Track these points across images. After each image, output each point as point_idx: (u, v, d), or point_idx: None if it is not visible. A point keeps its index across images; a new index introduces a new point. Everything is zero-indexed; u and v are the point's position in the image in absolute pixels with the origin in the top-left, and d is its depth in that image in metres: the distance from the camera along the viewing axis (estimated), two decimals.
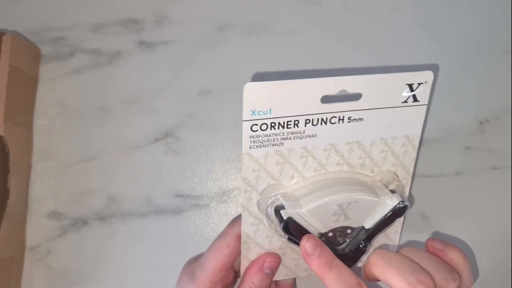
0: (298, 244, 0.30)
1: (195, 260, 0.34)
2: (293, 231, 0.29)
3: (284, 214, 0.29)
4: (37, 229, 0.39)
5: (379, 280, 0.29)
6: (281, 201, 0.29)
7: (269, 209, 0.30)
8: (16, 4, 0.42)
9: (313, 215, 0.29)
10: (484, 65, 0.42)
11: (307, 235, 0.29)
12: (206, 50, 0.41)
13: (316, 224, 0.30)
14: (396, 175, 0.32)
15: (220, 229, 0.39)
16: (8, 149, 0.36)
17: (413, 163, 0.32)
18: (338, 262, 0.28)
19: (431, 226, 0.40)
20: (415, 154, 0.32)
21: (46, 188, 0.40)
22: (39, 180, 0.40)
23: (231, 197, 0.40)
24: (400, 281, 0.26)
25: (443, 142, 0.41)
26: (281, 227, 0.29)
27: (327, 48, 0.41)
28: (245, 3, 0.42)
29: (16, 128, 0.37)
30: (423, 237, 0.39)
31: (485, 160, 0.40)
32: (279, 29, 0.42)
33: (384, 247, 0.35)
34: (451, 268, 0.29)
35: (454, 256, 0.29)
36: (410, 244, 0.39)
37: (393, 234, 0.34)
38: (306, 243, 0.29)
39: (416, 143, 0.31)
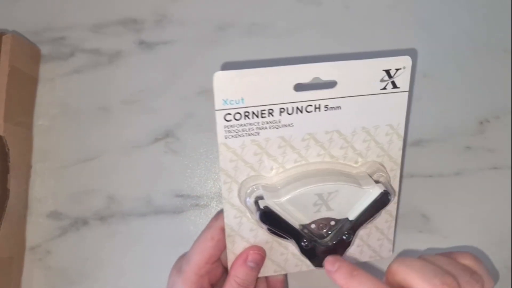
0: (280, 236, 0.30)
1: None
2: (271, 221, 0.29)
3: (262, 204, 0.29)
4: (37, 229, 0.39)
5: None
6: (260, 191, 0.29)
7: (248, 199, 0.29)
8: (16, 4, 0.42)
9: (292, 205, 0.29)
10: (484, 65, 0.42)
11: (328, 256, 0.29)
12: (206, 50, 0.41)
13: (296, 215, 0.30)
14: (383, 165, 0.31)
15: None
16: (8, 149, 0.36)
17: (400, 153, 0.31)
18: (361, 271, 0.28)
19: (431, 226, 0.39)
20: (401, 143, 0.31)
21: (46, 188, 0.40)
22: (39, 180, 0.40)
23: None
24: (424, 284, 0.26)
25: (443, 142, 0.41)
26: (258, 216, 0.29)
27: (327, 48, 0.41)
28: (245, 3, 0.42)
29: (16, 128, 0.37)
30: (423, 237, 0.39)
31: (485, 160, 0.40)
32: (279, 29, 0.42)
33: (379, 243, 0.34)
34: (473, 271, 0.28)
35: (466, 261, 0.29)
36: (411, 245, 0.39)
37: (387, 229, 0.34)
38: (326, 262, 0.29)
39: (401, 132, 0.31)
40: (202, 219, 0.39)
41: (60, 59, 0.41)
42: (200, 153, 0.40)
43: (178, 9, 0.42)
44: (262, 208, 0.28)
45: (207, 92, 0.41)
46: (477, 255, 0.29)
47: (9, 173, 0.36)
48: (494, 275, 0.38)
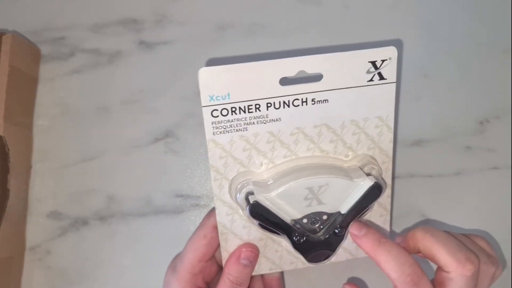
0: (272, 231, 0.30)
1: None
2: (262, 216, 0.29)
3: (252, 199, 0.28)
4: (37, 229, 0.39)
5: (418, 253, 0.29)
6: (250, 187, 0.29)
7: (238, 195, 0.29)
8: (16, 4, 0.42)
9: (282, 199, 0.29)
10: (484, 65, 0.42)
11: (354, 221, 0.29)
12: (206, 50, 0.41)
13: (287, 210, 0.30)
14: (374, 158, 0.31)
15: None
16: (8, 149, 0.36)
17: (391, 145, 0.31)
18: (388, 240, 0.28)
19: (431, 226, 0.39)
20: (391, 136, 0.31)
21: (46, 188, 0.40)
22: (39, 180, 0.40)
23: None
24: (449, 258, 0.26)
25: (443, 142, 0.41)
26: (248, 212, 0.29)
27: (327, 47, 0.41)
28: (245, 3, 0.42)
29: (16, 128, 0.37)
30: None
31: (485, 160, 0.40)
32: (279, 29, 0.42)
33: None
34: (489, 253, 0.29)
35: (480, 244, 0.29)
36: None
37: (382, 224, 0.34)
38: (351, 227, 0.29)
39: (391, 124, 0.30)
40: (202, 219, 0.39)
41: (60, 59, 0.41)
42: (200, 153, 0.40)
43: (178, 9, 0.42)
44: (252, 203, 0.28)
45: None
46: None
47: (9, 173, 0.36)
48: (503, 262, 0.39)
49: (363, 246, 0.29)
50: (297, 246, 0.31)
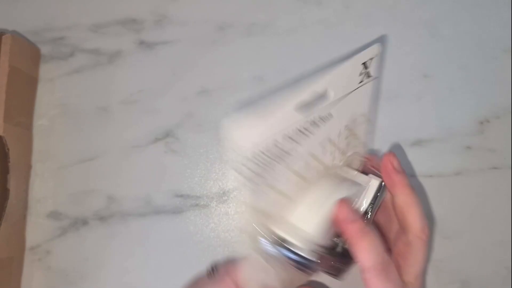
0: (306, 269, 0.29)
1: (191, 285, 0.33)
2: (307, 265, 0.28)
3: (298, 251, 0.27)
4: (37, 229, 0.39)
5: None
6: (282, 235, 0.28)
7: (270, 247, 0.28)
8: (16, 4, 0.42)
9: (313, 236, 0.28)
10: (484, 65, 0.42)
11: (341, 199, 0.28)
12: (206, 50, 0.41)
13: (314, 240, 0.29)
14: (361, 154, 0.32)
15: (220, 229, 0.39)
16: (8, 149, 0.36)
17: (368, 136, 0.31)
18: (371, 230, 0.28)
19: (431, 227, 0.39)
20: (369, 126, 0.31)
21: (46, 188, 0.40)
22: (39, 180, 0.40)
23: (231, 197, 0.40)
24: (420, 223, 0.28)
25: (443, 142, 0.41)
26: (298, 265, 0.27)
27: (326, 47, 0.41)
28: (245, 3, 0.42)
29: (16, 128, 0.37)
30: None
31: (485, 160, 0.40)
32: (279, 29, 0.42)
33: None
34: None
35: None
36: None
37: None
38: (340, 207, 0.28)
39: (371, 117, 0.31)
40: (202, 219, 0.39)
41: (60, 59, 0.41)
42: (200, 153, 0.40)
43: (178, 9, 0.42)
44: (301, 257, 0.27)
45: (207, 92, 0.41)
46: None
47: (9, 173, 0.36)
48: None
49: (347, 231, 0.28)
50: (325, 270, 0.30)
